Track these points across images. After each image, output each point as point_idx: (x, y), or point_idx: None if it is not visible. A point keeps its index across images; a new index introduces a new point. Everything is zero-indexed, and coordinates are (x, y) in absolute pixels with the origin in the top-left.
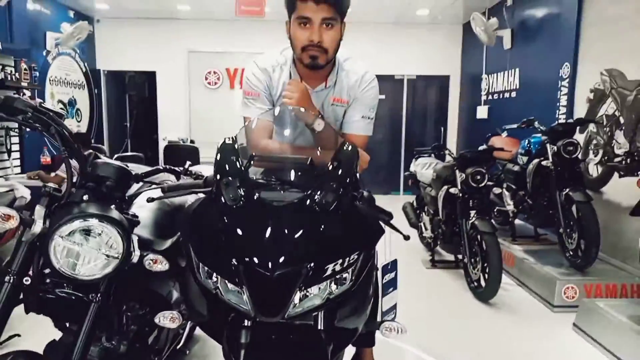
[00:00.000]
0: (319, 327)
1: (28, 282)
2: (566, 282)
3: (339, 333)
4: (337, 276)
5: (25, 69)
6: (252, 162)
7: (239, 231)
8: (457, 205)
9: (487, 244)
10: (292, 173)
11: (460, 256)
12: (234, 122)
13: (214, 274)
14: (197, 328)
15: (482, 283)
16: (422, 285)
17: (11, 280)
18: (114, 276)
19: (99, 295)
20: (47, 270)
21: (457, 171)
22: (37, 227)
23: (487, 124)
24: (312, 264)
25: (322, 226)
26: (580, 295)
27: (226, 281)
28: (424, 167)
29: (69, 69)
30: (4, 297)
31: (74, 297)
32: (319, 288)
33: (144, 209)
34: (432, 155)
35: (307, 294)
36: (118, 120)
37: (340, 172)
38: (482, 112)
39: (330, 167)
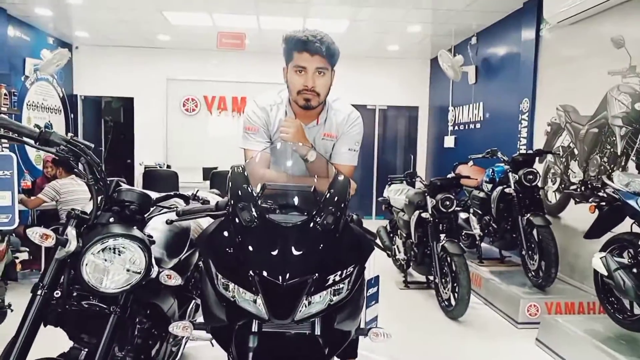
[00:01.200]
0: (317, 333)
1: (58, 295)
2: (529, 301)
3: (335, 335)
4: (337, 286)
5: (5, 94)
6: (264, 190)
7: (254, 247)
8: (428, 229)
9: (456, 265)
10: (297, 199)
11: (431, 277)
12: (211, 148)
13: (231, 285)
14: (187, 345)
15: (452, 302)
16: (396, 304)
17: (43, 294)
18: (132, 290)
19: (118, 307)
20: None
21: (428, 197)
22: (72, 246)
23: (454, 152)
24: (316, 275)
25: (324, 243)
26: (542, 313)
27: (242, 290)
28: (397, 193)
29: (47, 94)
30: (36, 308)
31: (97, 309)
32: (321, 296)
33: (155, 230)
34: (405, 182)
35: (312, 300)
36: (93, 145)
37: (336, 198)
38: (449, 141)
39: (328, 195)
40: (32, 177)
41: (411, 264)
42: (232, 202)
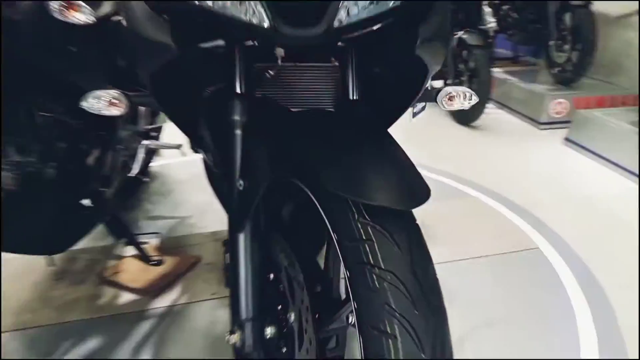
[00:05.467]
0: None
1: None
2: (555, 97)
3: (412, 72)
4: None
5: None
6: None
7: None
8: None
9: (476, 58)
10: None
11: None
12: None
13: None
14: (156, 164)
15: None
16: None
17: None
18: None
19: None
20: None
21: None
22: None
23: None
24: None
25: None
26: (571, 110)
27: None
28: None
29: None
30: None
31: None
32: None
33: None
34: None
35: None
36: None
37: None
38: None
39: None
40: None
41: None
42: None
